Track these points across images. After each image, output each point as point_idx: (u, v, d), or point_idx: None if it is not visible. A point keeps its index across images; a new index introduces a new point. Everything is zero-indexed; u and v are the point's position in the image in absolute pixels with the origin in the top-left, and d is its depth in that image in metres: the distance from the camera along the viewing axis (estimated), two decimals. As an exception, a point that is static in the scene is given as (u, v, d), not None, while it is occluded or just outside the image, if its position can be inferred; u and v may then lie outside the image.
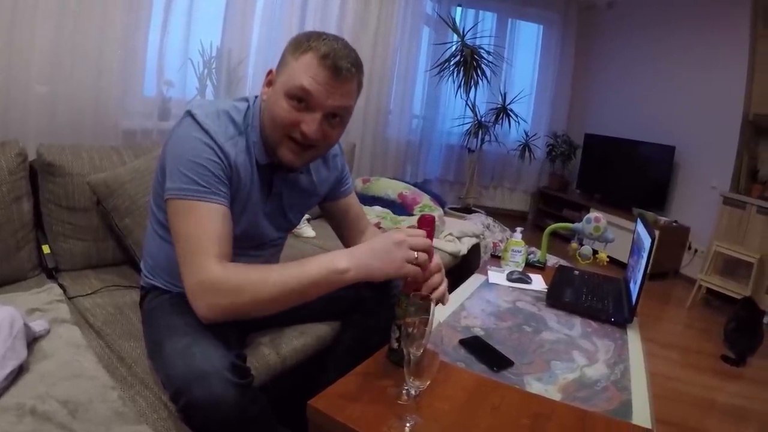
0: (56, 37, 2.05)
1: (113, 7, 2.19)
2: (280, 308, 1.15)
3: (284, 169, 1.35)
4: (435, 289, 1.20)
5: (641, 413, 1.20)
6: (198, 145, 1.18)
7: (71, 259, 1.87)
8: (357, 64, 1.22)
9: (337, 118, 1.25)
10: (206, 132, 1.19)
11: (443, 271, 1.24)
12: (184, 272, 1.15)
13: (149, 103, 2.56)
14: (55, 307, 1.51)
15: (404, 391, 1.12)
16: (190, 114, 1.22)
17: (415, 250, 1.11)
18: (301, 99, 1.18)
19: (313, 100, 1.18)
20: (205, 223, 1.16)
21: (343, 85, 1.20)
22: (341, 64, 1.17)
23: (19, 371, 1.17)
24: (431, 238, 1.18)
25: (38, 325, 1.33)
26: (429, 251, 1.15)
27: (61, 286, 1.72)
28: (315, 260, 1.14)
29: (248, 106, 1.32)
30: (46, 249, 1.83)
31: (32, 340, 1.29)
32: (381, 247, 1.12)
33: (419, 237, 1.13)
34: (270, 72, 1.28)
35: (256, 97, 1.34)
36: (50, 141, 1.88)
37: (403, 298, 1.20)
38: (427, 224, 1.18)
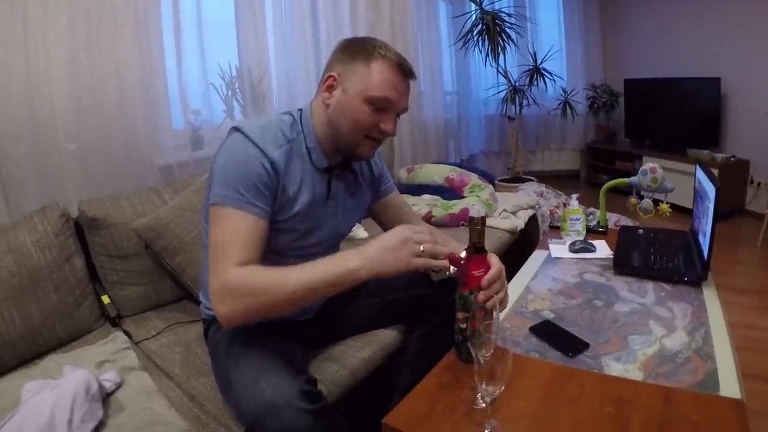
0: (74, 93, 2.07)
1: (124, 52, 2.20)
2: (296, 308, 1.22)
3: (338, 169, 1.41)
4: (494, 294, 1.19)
5: (729, 383, 1.12)
6: (245, 155, 1.21)
7: (131, 304, 1.90)
8: None
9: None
10: (254, 143, 1.22)
11: (504, 276, 1.22)
12: (209, 275, 1.17)
13: (180, 136, 2.57)
14: (123, 355, 1.54)
15: (479, 395, 1.08)
16: (236, 129, 1.26)
17: (420, 243, 1.14)
18: (382, 105, 1.27)
19: (392, 104, 1.28)
20: (235, 230, 1.18)
21: (409, 87, 1.33)
22: (411, 68, 1.30)
23: (97, 427, 1.20)
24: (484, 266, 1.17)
25: (110, 378, 1.35)
26: (434, 251, 1.15)
27: (126, 332, 1.75)
28: (329, 262, 1.16)
29: (293, 118, 1.35)
30: (105, 299, 1.86)
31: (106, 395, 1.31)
32: (389, 245, 1.14)
33: (422, 233, 1.16)
34: (331, 77, 1.30)
35: (300, 110, 1.38)
36: (90, 194, 1.91)
37: (461, 296, 1.18)
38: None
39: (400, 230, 1.16)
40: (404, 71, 1.28)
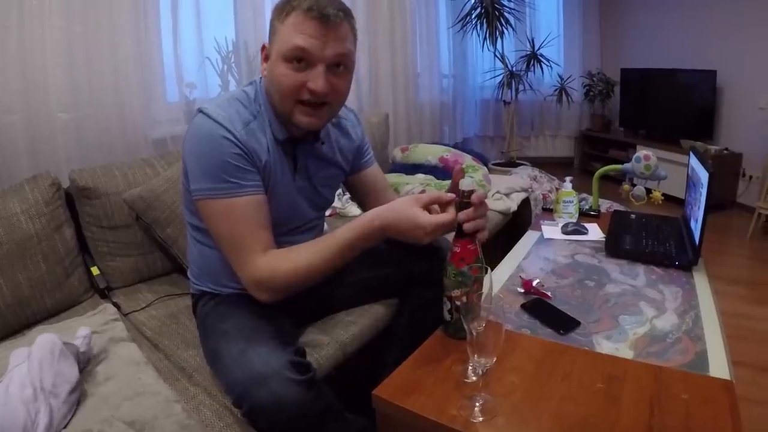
0: (69, 63, 2.04)
1: (120, 22, 2.17)
2: (331, 273, 1.26)
3: (305, 141, 1.35)
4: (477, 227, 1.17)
5: (718, 364, 1.13)
6: (215, 140, 1.17)
7: (121, 276, 1.89)
8: (344, 9, 1.19)
9: (341, 66, 1.21)
10: (220, 124, 1.18)
11: (486, 205, 1.21)
12: (235, 268, 1.23)
13: (174, 109, 2.55)
14: (111, 326, 1.52)
15: (470, 369, 1.08)
16: (200, 111, 1.22)
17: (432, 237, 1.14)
18: (299, 59, 1.16)
19: (310, 55, 1.15)
20: (243, 219, 1.20)
21: (336, 31, 1.17)
22: (327, 11, 1.13)
23: (82, 397, 1.18)
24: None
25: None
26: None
27: (115, 304, 1.74)
28: (346, 226, 1.22)
29: (255, 88, 1.30)
30: (95, 271, 1.84)
31: (88, 363, 1.29)
32: (406, 228, 1.15)
33: (442, 227, 1.13)
34: (263, 47, 1.26)
35: (261, 78, 1.32)
36: (82, 165, 1.88)
37: (450, 268, 1.17)
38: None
39: (421, 219, 1.13)
40: (314, 15, 1.13)
